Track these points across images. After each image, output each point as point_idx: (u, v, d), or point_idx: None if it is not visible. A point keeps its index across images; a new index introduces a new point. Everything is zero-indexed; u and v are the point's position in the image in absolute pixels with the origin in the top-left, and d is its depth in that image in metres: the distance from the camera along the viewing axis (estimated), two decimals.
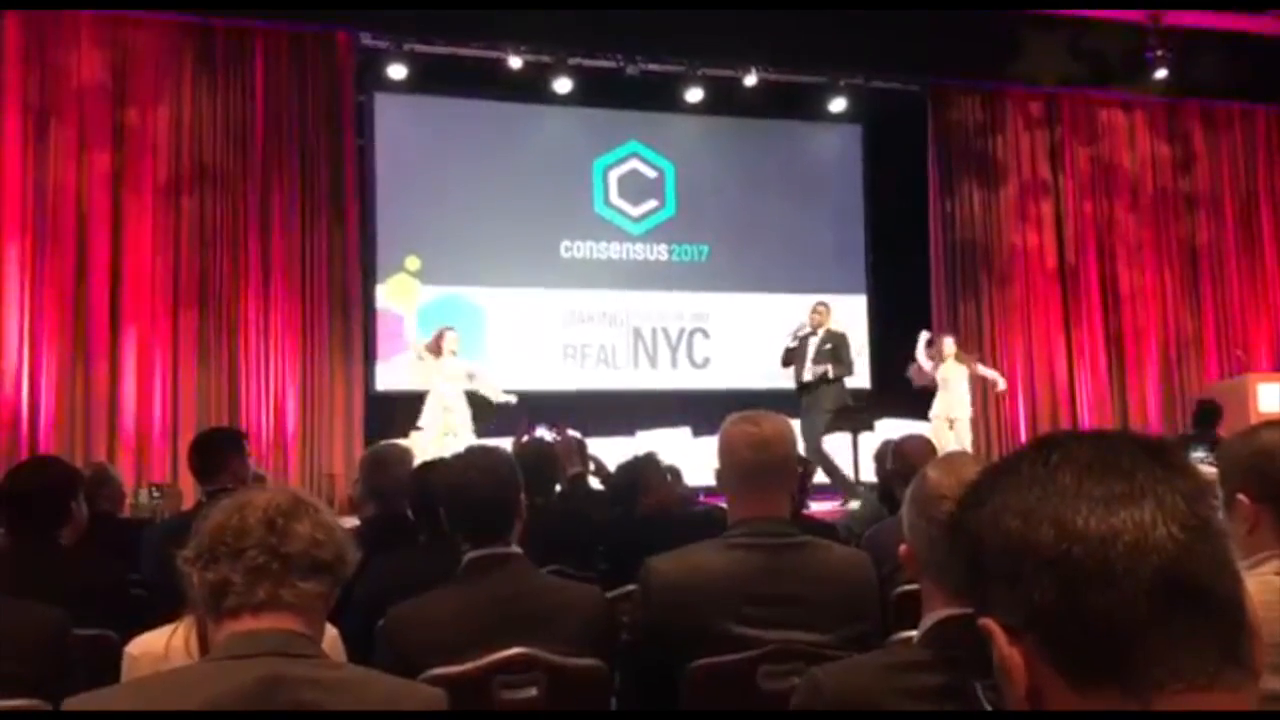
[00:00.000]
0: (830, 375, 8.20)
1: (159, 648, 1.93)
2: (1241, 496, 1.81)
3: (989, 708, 1.35)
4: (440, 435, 8.14)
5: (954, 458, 1.80)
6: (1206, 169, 11.66)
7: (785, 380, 8.47)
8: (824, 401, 8.11)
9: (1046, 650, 0.74)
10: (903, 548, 1.65)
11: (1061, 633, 0.74)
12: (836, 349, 8.31)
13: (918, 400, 9.67)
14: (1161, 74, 10.37)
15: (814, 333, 8.37)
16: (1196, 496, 0.76)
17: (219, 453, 3.62)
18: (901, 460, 3.74)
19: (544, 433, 6.89)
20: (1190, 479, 0.77)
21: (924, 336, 9.38)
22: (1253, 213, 11.75)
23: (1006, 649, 0.76)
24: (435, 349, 8.47)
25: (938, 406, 9.16)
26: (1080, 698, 0.73)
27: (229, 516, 1.47)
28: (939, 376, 9.18)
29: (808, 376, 8.24)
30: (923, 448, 3.81)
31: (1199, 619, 0.72)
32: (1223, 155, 11.72)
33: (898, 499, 3.65)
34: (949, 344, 9.33)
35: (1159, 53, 10.27)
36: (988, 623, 0.78)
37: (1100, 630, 0.72)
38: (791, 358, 8.42)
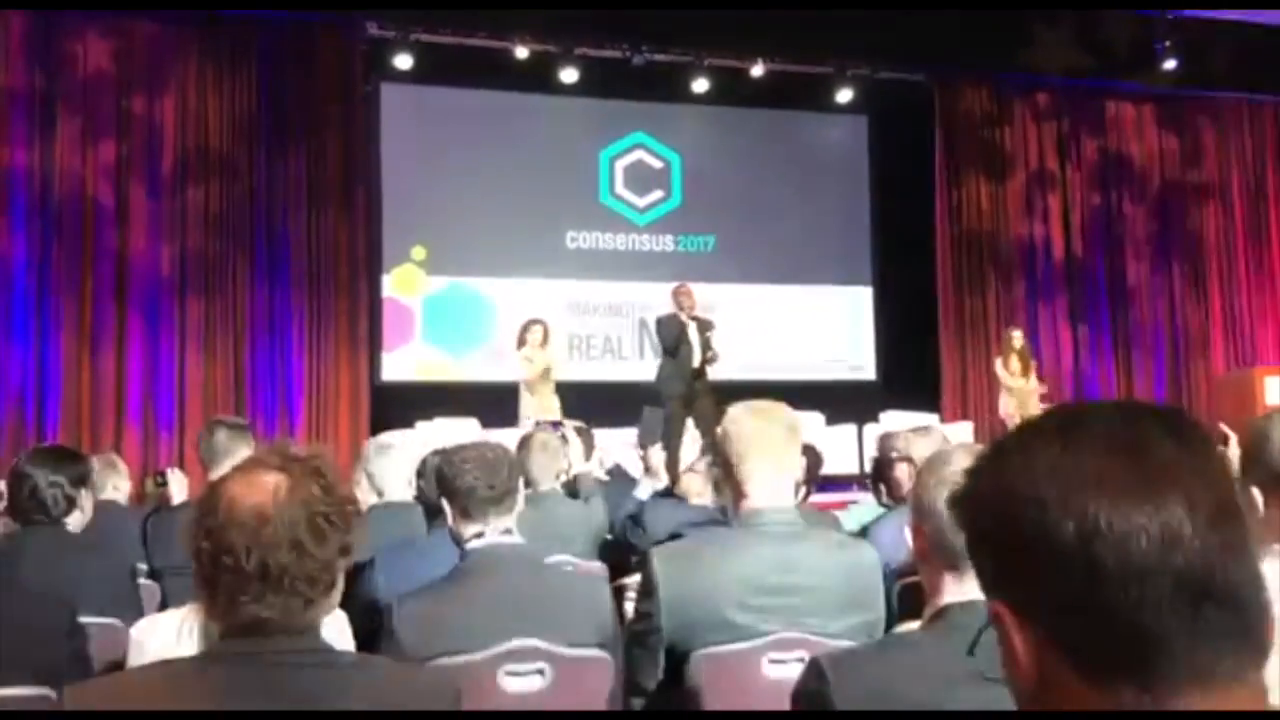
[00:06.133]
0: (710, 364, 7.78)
1: (166, 632, 1.93)
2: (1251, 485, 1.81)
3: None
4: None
5: (971, 445, 1.79)
6: (1214, 162, 11.61)
7: (790, 371, 8.42)
8: (705, 390, 7.66)
9: (1061, 643, 0.72)
10: (910, 531, 1.64)
11: (1079, 629, 0.71)
12: (710, 335, 7.82)
13: (922, 392, 9.65)
14: (1170, 66, 10.32)
15: (692, 318, 7.84)
16: (1221, 484, 0.73)
17: (225, 443, 3.64)
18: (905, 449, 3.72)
19: (547, 424, 6.89)
20: (1214, 461, 0.75)
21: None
22: (1261, 206, 11.71)
23: (1016, 636, 0.74)
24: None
25: (1009, 405, 9.03)
26: (1092, 691, 0.71)
27: (230, 514, 1.41)
28: (1007, 378, 9.04)
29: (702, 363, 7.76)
30: (935, 439, 3.79)
31: (1223, 618, 0.70)
32: (1231, 148, 11.67)
33: (894, 490, 3.67)
34: (1017, 337, 9.27)
35: (1167, 44, 10.22)
36: (998, 608, 0.76)
37: (1121, 629, 0.70)
38: (679, 343, 7.76)
